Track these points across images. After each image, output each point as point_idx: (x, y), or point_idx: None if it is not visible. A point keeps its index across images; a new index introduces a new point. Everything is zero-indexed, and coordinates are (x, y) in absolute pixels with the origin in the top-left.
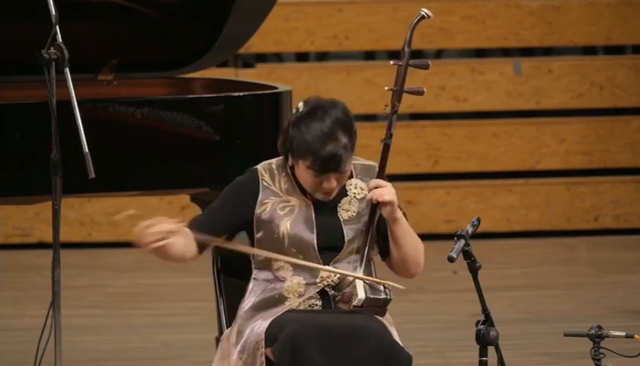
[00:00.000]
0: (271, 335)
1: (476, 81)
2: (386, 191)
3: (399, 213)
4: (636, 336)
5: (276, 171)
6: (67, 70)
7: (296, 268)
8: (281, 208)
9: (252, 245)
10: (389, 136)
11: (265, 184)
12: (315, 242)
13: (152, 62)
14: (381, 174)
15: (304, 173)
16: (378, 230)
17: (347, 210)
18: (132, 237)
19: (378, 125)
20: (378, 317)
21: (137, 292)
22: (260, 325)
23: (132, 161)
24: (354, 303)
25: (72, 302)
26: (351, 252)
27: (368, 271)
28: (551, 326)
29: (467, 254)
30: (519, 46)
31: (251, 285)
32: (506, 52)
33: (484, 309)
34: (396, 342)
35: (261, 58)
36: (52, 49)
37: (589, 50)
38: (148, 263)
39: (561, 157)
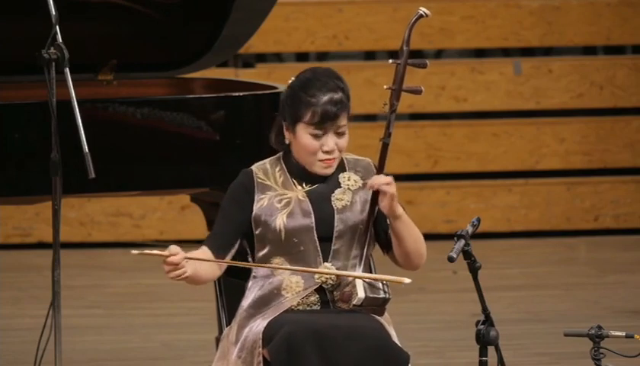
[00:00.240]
0: (268, 336)
1: (476, 81)
2: (389, 180)
3: (400, 209)
4: (636, 336)
5: (269, 169)
6: (67, 70)
7: (294, 266)
8: (278, 201)
9: (252, 243)
10: (388, 135)
11: (260, 180)
12: (315, 230)
13: (152, 62)
14: (380, 173)
15: (303, 137)
16: (378, 225)
17: (341, 199)
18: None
19: (378, 125)
20: (376, 317)
21: (137, 292)
22: (259, 324)
23: (132, 161)
24: (354, 302)
25: (71, 302)
26: (350, 247)
27: (367, 270)
28: (551, 326)
29: (467, 254)
30: (519, 46)
31: (250, 283)
32: (506, 53)
33: (484, 309)
34: (393, 342)
35: (261, 58)
36: (52, 49)
37: (589, 50)
38: (148, 263)
39: (561, 157)
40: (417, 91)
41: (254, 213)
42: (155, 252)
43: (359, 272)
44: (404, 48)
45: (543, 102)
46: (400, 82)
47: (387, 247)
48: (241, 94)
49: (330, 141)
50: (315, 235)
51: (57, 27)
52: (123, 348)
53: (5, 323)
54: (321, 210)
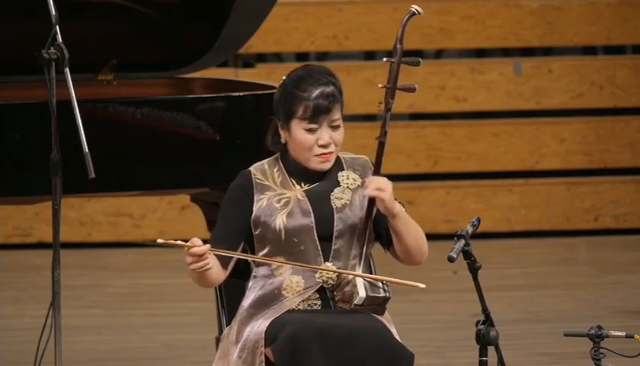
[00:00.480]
0: (271, 335)
1: (476, 81)
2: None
3: (397, 208)
4: (636, 336)
5: (268, 169)
6: (67, 70)
7: (295, 266)
8: (277, 201)
9: (252, 243)
10: (384, 133)
11: (258, 181)
12: (315, 230)
13: (152, 62)
14: (377, 172)
15: (298, 133)
16: (378, 223)
17: (340, 198)
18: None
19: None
20: (377, 316)
21: (137, 292)
22: (260, 324)
23: (132, 161)
24: (355, 302)
25: (71, 302)
26: (350, 246)
27: (367, 269)
28: (551, 326)
29: (467, 254)
30: (519, 46)
31: (250, 283)
32: (506, 53)
33: (484, 309)
34: (398, 341)
35: (261, 58)
36: (52, 49)
37: (589, 50)
38: (148, 263)
39: (561, 157)
40: (412, 89)
41: (253, 214)
42: (179, 242)
43: (358, 271)
44: (398, 46)
45: (543, 102)
46: (394, 80)
47: (388, 244)
48: (241, 94)
49: (325, 134)
50: (315, 235)
51: (57, 27)
52: (123, 348)
53: (5, 323)
54: (321, 210)
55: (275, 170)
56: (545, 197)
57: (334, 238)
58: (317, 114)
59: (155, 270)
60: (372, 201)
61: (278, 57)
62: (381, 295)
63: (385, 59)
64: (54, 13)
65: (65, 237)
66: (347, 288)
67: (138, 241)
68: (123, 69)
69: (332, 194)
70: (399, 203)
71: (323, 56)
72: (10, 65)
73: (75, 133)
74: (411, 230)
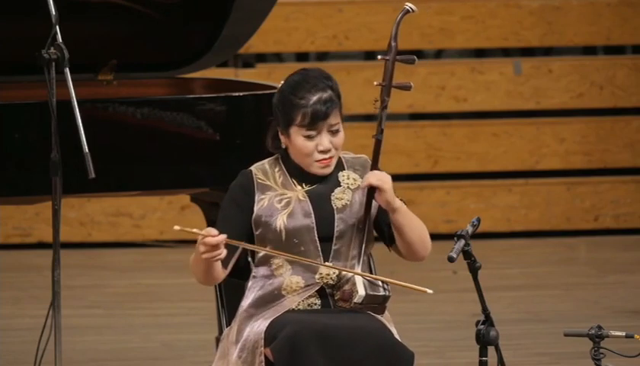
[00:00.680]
0: (271, 335)
1: (476, 81)
2: (381, 177)
3: (397, 202)
4: (636, 336)
5: (269, 169)
6: (67, 70)
7: (295, 266)
8: (278, 201)
9: (253, 243)
10: (380, 131)
11: (260, 181)
12: (315, 231)
13: (152, 62)
14: (374, 170)
15: (298, 140)
16: (380, 219)
17: (341, 198)
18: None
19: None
20: (377, 316)
21: (137, 292)
22: (260, 324)
23: (132, 161)
24: (355, 300)
25: (71, 302)
26: (349, 247)
27: (367, 268)
28: (551, 326)
29: (467, 254)
30: (519, 46)
31: (250, 283)
32: (506, 53)
33: (484, 309)
34: (398, 341)
35: (261, 58)
36: (52, 49)
37: (589, 50)
38: (148, 263)
39: (561, 157)
40: (407, 87)
41: (254, 213)
42: (195, 230)
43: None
44: (392, 44)
45: (543, 102)
46: (389, 78)
47: (390, 241)
48: (241, 94)
49: (324, 140)
50: (316, 236)
51: (57, 27)
52: (123, 348)
53: (5, 323)
54: (322, 210)
55: (276, 170)
56: (545, 197)
57: (334, 238)
58: (315, 121)
59: (155, 270)
60: (369, 199)
61: (278, 57)
62: (380, 294)
63: (379, 56)
64: (54, 13)
65: (65, 237)
66: (347, 287)
67: (138, 241)
68: (123, 69)
69: (333, 194)
70: (400, 200)
71: (323, 56)
72: (10, 65)
73: (75, 133)
74: (412, 224)
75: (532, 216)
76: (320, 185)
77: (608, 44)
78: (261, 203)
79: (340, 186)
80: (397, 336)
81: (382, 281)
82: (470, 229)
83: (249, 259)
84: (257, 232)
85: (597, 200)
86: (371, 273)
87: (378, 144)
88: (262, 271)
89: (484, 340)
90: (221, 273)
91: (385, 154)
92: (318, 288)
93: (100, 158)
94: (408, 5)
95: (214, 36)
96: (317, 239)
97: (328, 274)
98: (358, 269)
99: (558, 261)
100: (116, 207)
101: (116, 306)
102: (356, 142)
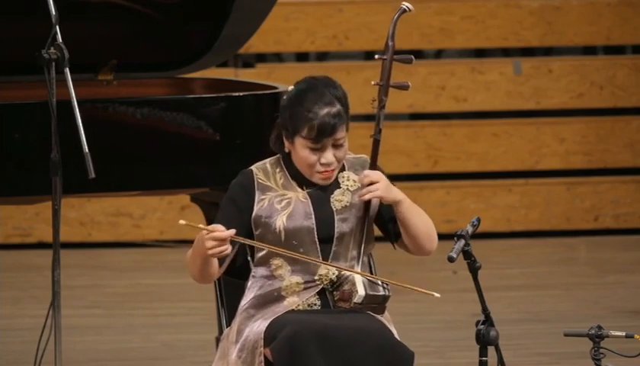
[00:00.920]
0: (270, 335)
1: (476, 81)
2: (376, 187)
3: (398, 195)
4: (636, 336)
5: (270, 169)
6: (67, 70)
7: (294, 267)
8: (278, 202)
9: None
10: (378, 131)
11: (260, 181)
12: (316, 232)
13: (152, 62)
14: (372, 170)
15: (301, 150)
16: (384, 214)
17: (340, 200)
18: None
19: None
20: (377, 316)
21: (137, 292)
22: (259, 324)
23: (132, 161)
24: (355, 300)
25: (71, 302)
26: (348, 248)
27: (367, 269)
28: (551, 326)
29: (467, 254)
30: (519, 46)
31: (249, 283)
32: (506, 53)
33: (484, 309)
34: (398, 340)
35: (261, 58)
36: (52, 49)
37: (589, 50)
38: (148, 263)
39: (561, 157)
40: (405, 87)
41: (254, 214)
42: (200, 226)
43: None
44: (389, 43)
45: (543, 102)
46: (387, 78)
47: (396, 237)
48: (241, 94)
49: (328, 155)
50: (316, 237)
51: (57, 27)
52: (123, 348)
53: (5, 323)
54: (322, 212)
55: (277, 171)
56: (545, 197)
57: (334, 239)
58: (321, 137)
59: (155, 270)
60: (368, 200)
61: (278, 57)
62: (380, 293)
63: (376, 56)
64: (54, 13)
65: (65, 237)
66: (347, 287)
67: (138, 241)
68: (123, 69)
69: (332, 196)
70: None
71: (323, 56)
72: (10, 65)
73: (75, 133)
74: (417, 215)
75: (532, 216)
76: (320, 187)
77: (608, 44)
78: (261, 204)
79: (340, 188)
80: (397, 336)
81: (388, 283)
82: (470, 229)
83: (248, 259)
84: (256, 233)
85: (597, 200)
86: (371, 273)
87: (376, 144)
88: (261, 271)
89: (484, 340)
90: (216, 271)
91: (385, 154)
92: (318, 290)
93: (100, 158)
94: (405, 5)
95: (214, 36)
96: (317, 240)
97: (328, 275)
98: (357, 268)
99: (558, 261)
100: (116, 207)
101: (116, 306)
102: (356, 142)
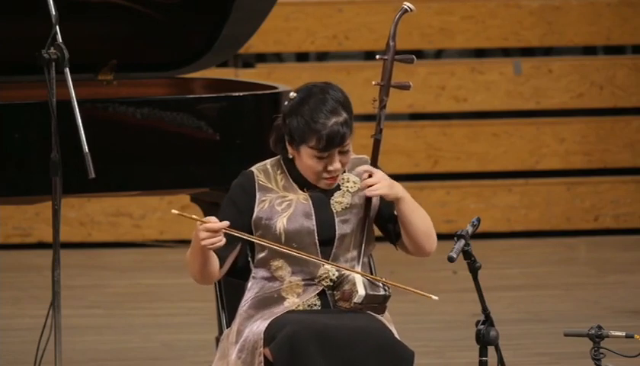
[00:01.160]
0: (270, 335)
1: (476, 81)
2: (379, 186)
3: (400, 191)
4: (636, 336)
5: (270, 171)
6: (67, 70)
7: (295, 268)
8: (278, 204)
9: (251, 246)
10: (379, 131)
11: (261, 183)
12: (316, 233)
13: (152, 62)
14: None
15: (307, 159)
16: (385, 213)
17: (340, 202)
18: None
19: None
20: (377, 316)
21: (137, 292)
22: (259, 325)
23: (132, 161)
24: (355, 300)
25: (71, 302)
26: (348, 249)
27: (367, 269)
28: (551, 326)
29: (467, 254)
30: (519, 46)
31: (250, 284)
32: (506, 53)
33: (484, 309)
34: (398, 340)
35: (261, 58)
36: (52, 49)
37: (589, 50)
38: (148, 263)
39: (561, 157)
40: (406, 87)
41: (254, 215)
42: (194, 216)
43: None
44: (391, 43)
45: (543, 102)
46: (388, 78)
47: (396, 237)
48: (241, 94)
49: (335, 162)
50: (316, 239)
51: (57, 27)
52: (123, 348)
53: (5, 323)
54: (322, 214)
55: (278, 173)
56: (545, 197)
57: (335, 240)
58: (330, 147)
59: (155, 270)
60: (368, 201)
61: (278, 57)
62: (381, 294)
63: (377, 56)
64: (54, 13)
65: (65, 237)
66: (347, 287)
67: (138, 241)
68: (123, 69)
69: (332, 198)
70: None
71: (323, 56)
72: (10, 65)
73: (75, 133)
74: (418, 215)
75: (532, 216)
76: (321, 189)
77: (608, 44)
78: (262, 205)
79: (340, 189)
80: (397, 336)
81: (387, 284)
82: (470, 229)
83: (249, 259)
84: (256, 234)
85: (597, 200)
86: (371, 274)
87: (377, 144)
88: (261, 272)
89: (484, 340)
90: (217, 271)
91: (385, 154)
92: (319, 291)
93: (100, 158)
94: (406, 5)
95: (214, 36)
96: (317, 241)
97: (327, 276)
98: (357, 269)
99: (558, 261)
100: (116, 207)
101: (116, 306)
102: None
